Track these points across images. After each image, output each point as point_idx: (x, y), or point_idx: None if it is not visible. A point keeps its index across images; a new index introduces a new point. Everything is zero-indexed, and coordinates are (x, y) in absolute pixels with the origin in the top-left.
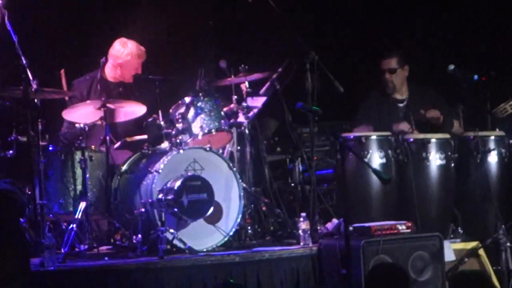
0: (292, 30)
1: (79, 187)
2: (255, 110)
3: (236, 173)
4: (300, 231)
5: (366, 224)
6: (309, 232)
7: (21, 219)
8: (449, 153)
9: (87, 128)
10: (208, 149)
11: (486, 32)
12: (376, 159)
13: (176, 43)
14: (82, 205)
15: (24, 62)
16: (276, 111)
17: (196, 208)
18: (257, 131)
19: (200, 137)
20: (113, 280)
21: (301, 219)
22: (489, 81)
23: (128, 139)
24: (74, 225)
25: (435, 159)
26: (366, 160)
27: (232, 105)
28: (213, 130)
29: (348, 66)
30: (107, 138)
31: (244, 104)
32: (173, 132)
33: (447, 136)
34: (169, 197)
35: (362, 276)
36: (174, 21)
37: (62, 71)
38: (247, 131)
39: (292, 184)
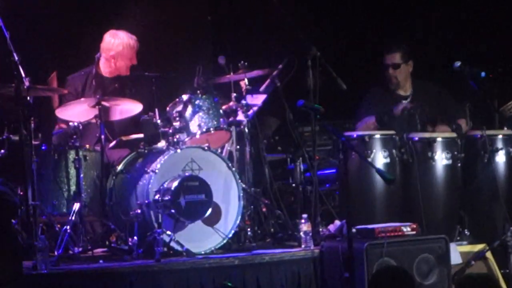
0: (293, 25)
1: (73, 188)
2: (255, 108)
3: (235, 173)
4: (301, 233)
5: (370, 226)
6: (310, 234)
7: (13, 221)
8: (456, 153)
9: (81, 127)
10: (206, 148)
11: (494, 28)
12: (380, 158)
13: (173, 39)
14: (76, 206)
15: (16, 58)
16: (277, 109)
17: (194, 209)
18: (257, 130)
19: (198, 136)
20: (108, 283)
21: (303, 220)
22: (497, 78)
23: (124, 138)
24: (68, 227)
25: (441, 159)
26: (369, 159)
27: (231, 103)
28: (211, 129)
29: (351, 62)
30: (102, 137)
31: (243, 102)
32: (170, 131)
33: (453, 135)
34: (166, 198)
35: (366, 279)
36: (171, 17)
37: (54, 73)
38: (246, 130)
39: (293, 185)
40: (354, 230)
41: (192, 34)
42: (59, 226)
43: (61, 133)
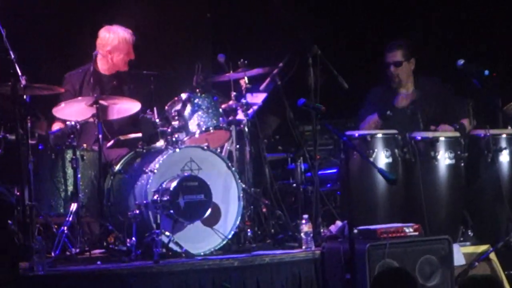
0: (294, 23)
1: (70, 188)
2: (255, 107)
3: (235, 173)
4: (302, 234)
5: (372, 227)
6: (311, 235)
7: (9, 221)
8: (459, 152)
9: (78, 126)
10: (205, 148)
11: (498, 26)
12: (382, 158)
13: (172, 37)
14: (74, 206)
15: (13, 56)
16: (277, 108)
17: (193, 209)
18: (257, 129)
19: (197, 135)
20: (106, 285)
21: (303, 221)
22: (501, 76)
23: (122, 137)
24: (65, 228)
25: (444, 159)
26: (371, 159)
27: (230, 102)
28: (210, 128)
29: (352, 60)
30: (100, 136)
31: (243, 100)
32: (169, 130)
33: (456, 134)
34: (165, 198)
35: (367, 281)
36: (170, 14)
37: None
38: (246, 129)
39: (294, 185)
40: (355, 231)
41: (191, 32)
42: (56, 227)
43: (58, 133)
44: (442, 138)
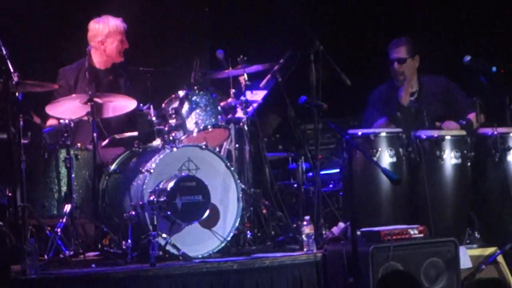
0: (295, 18)
1: (64, 188)
2: (255, 105)
3: (234, 173)
4: (303, 236)
5: (375, 229)
6: (313, 237)
7: (0, 223)
8: (465, 151)
9: (72, 124)
10: (203, 147)
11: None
12: (386, 157)
13: (169, 32)
14: (67, 207)
15: (5, 52)
16: (278, 106)
17: (191, 211)
18: (257, 128)
19: (195, 134)
20: None
21: (305, 223)
22: (508, 73)
23: (117, 136)
24: (59, 230)
25: (450, 158)
26: (375, 159)
27: (229, 100)
28: (209, 127)
29: (355, 56)
30: (95, 135)
31: (242, 98)
32: (166, 129)
33: (462, 133)
34: (162, 199)
35: (371, 285)
36: (167, 9)
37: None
38: (246, 128)
39: (295, 185)
40: (358, 232)
41: (189, 27)
42: (49, 228)
43: (52, 131)
44: (448, 137)
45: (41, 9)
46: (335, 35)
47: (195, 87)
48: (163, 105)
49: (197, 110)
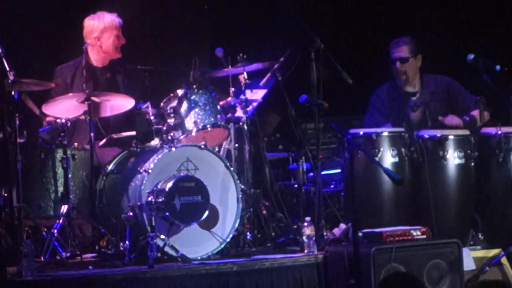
0: (296, 15)
1: (60, 189)
2: (255, 104)
3: (233, 173)
4: (304, 237)
5: (377, 230)
6: (314, 238)
7: None
8: (469, 151)
9: (69, 124)
10: (202, 147)
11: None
12: (388, 157)
13: (168, 30)
14: (64, 208)
15: (0, 50)
16: (278, 105)
17: (190, 211)
18: (257, 127)
19: (194, 133)
20: None
21: (305, 224)
22: None
23: (115, 136)
24: (55, 231)
25: (453, 158)
26: (377, 159)
27: (229, 99)
28: (208, 126)
29: (357, 54)
30: (92, 134)
31: (242, 97)
32: (164, 128)
33: (466, 132)
34: (160, 199)
35: (373, 287)
36: (165, 6)
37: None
38: (245, 127)
39: (296, 186)
40: (360, 234)
41: (188, 25)
42: (45, 229)
43: (48, 131)
44: (451, 137)
45: (41, 8)
46: (336, 33)
47: (194, 86)
48: (161, 104)
49: (196, 109)
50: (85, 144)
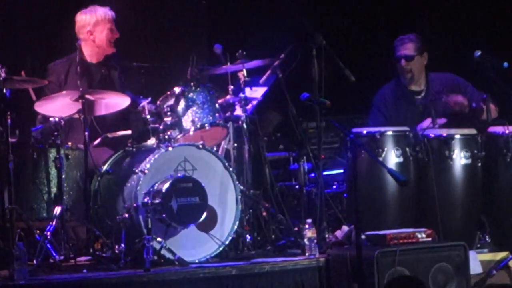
0: (297, 10)
1: (53, 190)
2: (254, 102)
3: (232, 174)
4: (305, 240)
5: (381, 232)
6: (315, 241)
7: None
8: (476, 151)
9: (62, 122)
10: (200, 146)
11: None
12: (392, 157)
13: (164, 26)
14: (57, 210)
15: None
16: (278, 103)
17: (187, 213)
18: (257, 126)
19: (191, 132)
20: None
21: (307, 226)
22: None
23: (110, 135)
24: (48, 233)
25: (459, 158)
26: (380, 159)
27: (228, 97)
28: (206, 125)
29: (360, 51)
30: (86, 133)
31: (241, 95)
32: (161, 127)
33: (473, 132)
34: (156, 201)
35: None
36: (162, 2)
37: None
38: (245, 126)
39: (297, 186)
40: (363, 236)
41: (185, 20)
42: (38, 232)
43: (41, 130)
44: (457, 136)
45: (33, 4)
46: (338, 30)
47: (192, 84)
48: (158, 102)
49: (194, 108)
50: (80, 144)
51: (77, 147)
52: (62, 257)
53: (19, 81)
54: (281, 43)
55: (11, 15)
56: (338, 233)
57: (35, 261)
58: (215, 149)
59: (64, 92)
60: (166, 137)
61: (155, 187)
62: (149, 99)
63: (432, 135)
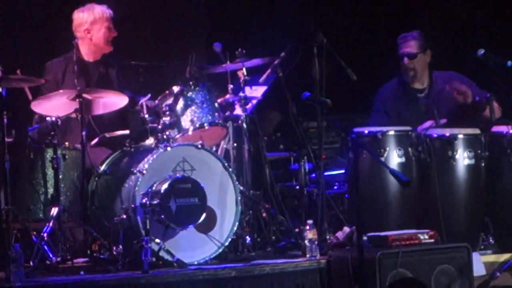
0: (297, 9)
1: (50, 190)
2: (254, 102)
3: (232, 174)
4: (306, 241)
5: (383, 233)
6: (316, 242)
7: None
8: (479, 151)
9: (59, 122)
10: (199, 146)
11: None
12: (394, 158)
13: (163, 24)
14: (54, 211)
15: None
16: (279, 103)
17: (186, 214)
18: (257, 126)
19: (190, 132)
20: None
21: (308, 227)
22: None
23: (107, 135)
24: (45, 234)
25: (462, 158)
26: (382, 159)
27: (227, 96)
28: (205, 125)
29: (360, 51)
30: (83, 133)
31: (241, 94)
32: (159, 127)
33: (476, 131)
34: (155, 201)
35: None
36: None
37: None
38: (245, 126)
39: (297, 187)
40: (365, 237)
41: (184, 18)
42: (35, 233)
43: (38, 129)
44: (460, 136)
45: (30, 2)
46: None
47: (191, 83)
48: (156, 101)
49: (193, 107)
50: (77, 144)
51: (74, 147)
52: (59, 259)
53: (16, 80)
54: (281, 42)
55: (8, 14)
56: (339, 234)
57: (31, 263)
58: (214, 149)
59: (61, 91)
60: (165, 137)
61: (154, 188)
62: (149, 95)
63: (435, 135)
